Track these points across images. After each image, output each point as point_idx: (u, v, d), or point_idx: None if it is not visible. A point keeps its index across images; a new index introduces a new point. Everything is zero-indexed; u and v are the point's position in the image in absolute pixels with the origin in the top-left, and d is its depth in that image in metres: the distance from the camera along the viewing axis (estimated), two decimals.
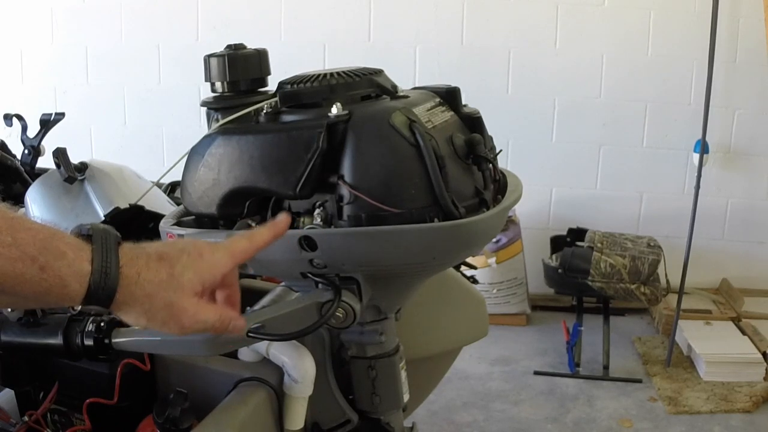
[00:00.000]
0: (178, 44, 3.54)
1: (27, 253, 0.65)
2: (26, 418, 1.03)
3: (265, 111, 0.93)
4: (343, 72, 0.91)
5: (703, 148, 3.07)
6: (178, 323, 0.73)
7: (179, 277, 0.72)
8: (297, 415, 1.01)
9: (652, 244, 3.08)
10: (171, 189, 1.53)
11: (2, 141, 1.59)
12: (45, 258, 0.65)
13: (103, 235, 0.71)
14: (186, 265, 0.73)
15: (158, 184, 1.41)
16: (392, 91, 0.95)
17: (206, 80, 0.97)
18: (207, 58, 0.96)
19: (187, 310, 0.73)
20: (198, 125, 2.95)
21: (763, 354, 2.89)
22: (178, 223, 0.98)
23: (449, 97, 0.99)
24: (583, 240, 3.15)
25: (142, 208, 1.23)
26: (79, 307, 0.87)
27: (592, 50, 3.39)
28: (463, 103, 1.01)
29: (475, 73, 3.45)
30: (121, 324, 0.89)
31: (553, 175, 3.56)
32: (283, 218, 0.81)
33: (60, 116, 1.54)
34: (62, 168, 1.27)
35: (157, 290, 0.71)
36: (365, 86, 0.92)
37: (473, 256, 1.14)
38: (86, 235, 0.70)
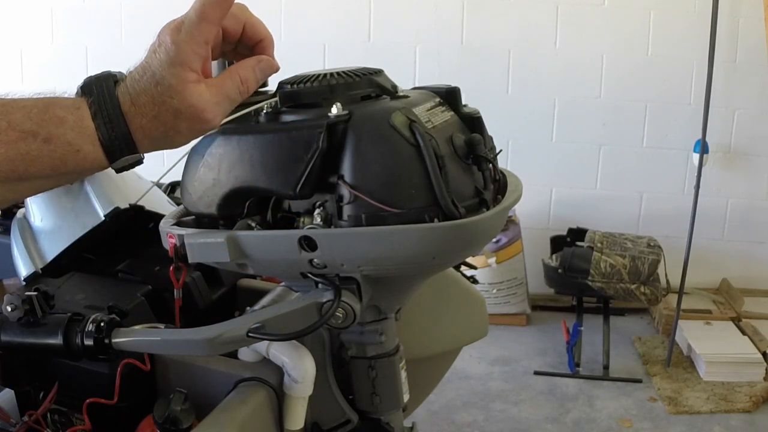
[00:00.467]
0: None
1: (26, 131, 0.62)
2: (26, 418, 1.03)
3: (265, 111, 0.93)
4: (343, 72, 0.91)
5: (703, 148, 3.07)
6: (200, 119, 0.69)
7: (163, 81, 0.67)
8: (297, 415, 1.01)
9: (652, 244, 3.08)
10: (171, 189, 1.53)
11: None
12: (46, 129, 0.63)
13: (97, 83, 0.67)
14: (161, 63, 0.68)
15: (158, 184, 1.41)
16: (392, 91, 0.95)
17: None
18: None
19: (196, 105, 0.68)
20: None
21: (763, 354, 2.89)
22: (178, 223, 0.98)
23: (449, 97, 0.99)
24: (583, 240, 3.15)
25: (142, 208, 1.23)
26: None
27: (592, 50, 3.39)
28: (463, 103, 1.01)
29: (475, 73, 3.45)
30: (121, 324, 0.89)
31: (553, 175, 3.56)
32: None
33: None
34: None
35: (156, 108, 0.67)
36: (365, 86, 0.92)
37: (473, 256, 1.14)
38: (82, 88, 0.67)
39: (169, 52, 0.69)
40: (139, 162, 0.70)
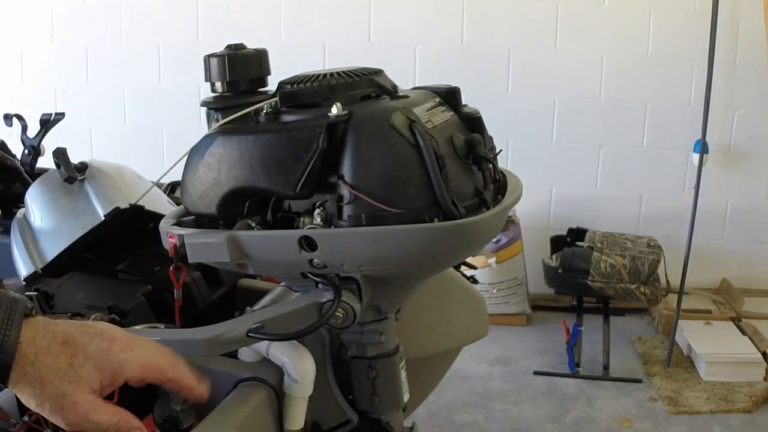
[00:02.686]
0: (178, 44, 3.55)
1: None
2: (26, 418, 1.03)
3: (265, 111, 0.93)
4: (343, 72, 0.91)
5: (703, 148, 3.07)
6: (65, 417, 0.68)
7: (78, 368, 0.67)
8: (297, 415, 1.01)
9: (652, 244, 3.08)
10: (171, 189, 1.53)
11: (2, 141, 1.59)
12: None
13: (10, 305, 0.66)
14: (90, 356, 0.68)
15: (158, 184, 1.41)
16: (392, 91, 0.95)
17: (206, 80, 0.97)
18: (207, 58, 0.96)
19: (77, 406, 0.67)
20: (198, 125, 2.94)
21: (763, 354, 2.89)
22: (178, 223, 0.98)
23: (449, 97, 0.99)
24: (583, 240, 3.15)
25: (142, 208, 1.23)
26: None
27: (592, 50, 3.39)
28: (463, 103, 1.01)
29: (475, 73, 3.45)
30: (122, 324, 0.89)
31: (553, 175, 3.56)
32: (203, 392, 0.78)
33: (60, 116, 1.54)
34: (62, 168, 1.27)
35: (51, 377, 0.66)
36: (365, 86, 0.92)
37: (473, 256, 1.14)
38: None
39: (104, 355, 0.69)
40: None
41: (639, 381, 2.91)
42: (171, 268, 0.97)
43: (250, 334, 0.83)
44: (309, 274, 0.89)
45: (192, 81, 3.33)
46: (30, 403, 0.68)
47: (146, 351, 0.73)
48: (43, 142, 1.56)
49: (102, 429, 0.70)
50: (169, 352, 0.75)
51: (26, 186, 1.38)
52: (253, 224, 0.92)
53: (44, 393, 0.67)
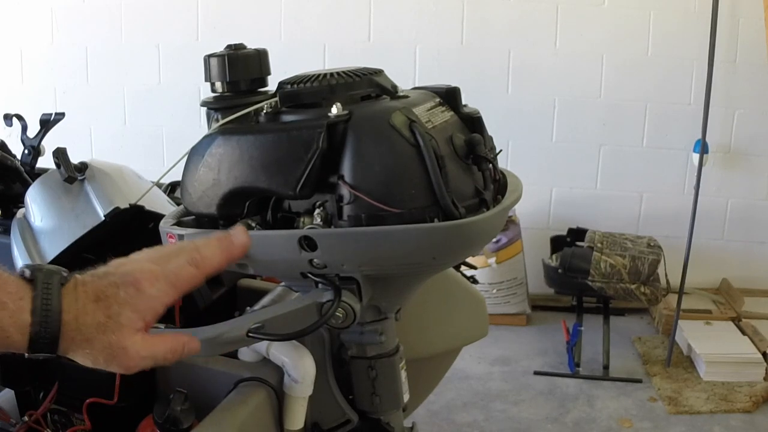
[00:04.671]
0: (178, 44, 3.55)
1: None
2: (26, 418, 1.03)
3: (265, 111, 0.93)
4: (343, 72, 0.91)
5: (703, 148, 3.07)
6: (121, 364, 0.71)
7: (116, 317, 0.70)
8: (297, 415, 1.01)
9: (652, 244, 3.08)
10: (171, 189, 1.53)
11: (2, 141, 1.59)
12: None
13: (46, 279, 0.68)
14: (123, 302, 0.70)
15: (158, 184, 1.41)
16: (392, 91, 0.95)
17: (206, 80, 0.97)
18: (207, 58, 0.96)
19: (127, 351, 0.71)
20: (198, 125, 2.94)
21: (763, 354, 2.89)
22: (178, 223, 0.98)
23: (449, 97, 0.99)
24: (583, 240, 3.15)
25: (142, 208, 1.23)
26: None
27: (592, 50, 3.39)
28: (463, 103, 1.01)
29: (475, 73, 3.45)
30: None
31: (553, 175, 3.56)
32: (239, 233, 0.79)
33: (60, 116, 1.54)
34: (62, 168, 1.27)
35: (95, 334, 0.69)
36: (365, 86, 0.92)
37: (473, 256, 1.14)
38: (30, 279, 0.68)
39: (135, 297, 0.71)
40: None
41: (639, 381, 2.91)
42: None
43: (250, 334, 0.83)
44: (309, 274, 0.89)
45: (192, 81, 3.34)
46: (86, 363, 0.71)
47: (169, 271, 0.74)
48: (43, 142, 1.56)
49: (159, 360, 0.73)
50: (184, 249, 0.76)
51: (26, 186, 1.38)
52: (253, 224, 0.92)
53: (94, 350, 0.70)
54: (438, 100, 0.98)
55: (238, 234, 0.81)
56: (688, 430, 2.59)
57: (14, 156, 1.57)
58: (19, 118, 1.58)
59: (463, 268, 1.35)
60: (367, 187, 0.84)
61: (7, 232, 1.36)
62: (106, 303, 0.70)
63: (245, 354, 1.03)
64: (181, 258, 0.75)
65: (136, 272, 0.72)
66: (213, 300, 1.18)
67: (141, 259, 0.75)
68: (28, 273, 0.68)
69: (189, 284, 0.75)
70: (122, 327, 0.70)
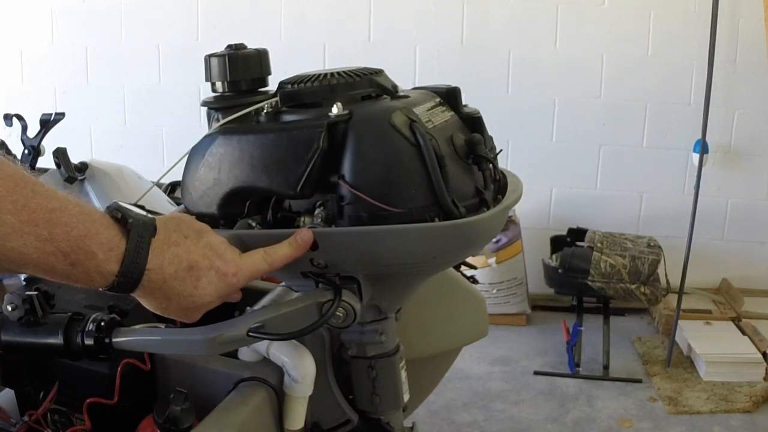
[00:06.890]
0: (178, 44, 3.55)
1: (60, 249, 0.68)
2: (26, 418, 1.03)
3: (265, 111, 0.93)
4: (344, 72, 0.92)
5: (703, 148, 3.07)
6: (188, 319, 0.80)
7: (202, 291, 0.77)
8: (297, 415, 1.01)
9: (652, 244, 3.08)
10: (171, 189, 1.53)
11: (2, 141, 1.59)
12: (77, 256, 0.69)
13: (140, 232, 0.72)
14: (211, 281, 0.77)
15: (158, 184, 1.41)
16: (392, 91, 0.95)
17: (206, 80, 0.97)
18: (207, 58, 0.96)
19: (198, 315, 0.79)
20: (198, 125, 2.94)
21: (763, 354, 2.89)
22: None
23: (449, 97, 0.99)
24: (583, 240, 3.15)
25: (142, 208, 1.23)
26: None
27: (592, 50, 3.39)
28: (463, 103, 1.01)
29: (475, 73, 3.45)
30: (122, 324, 0.89)
31: (553, 175, 3.56)
32: (305, 235, 0.84)
33: (60, 116, 1.54)
34: (62, 168, 1.28)
35: (177, 297, 0.76)
36: (365, 86, 0.92)
37: (473, 256, 1.14)
38: (123, 224, 0.72)
39: (221, 283, 0.79)
40: None
41: (639, 381, 2.92)
42: None
43: (250, 333, 0.83)
44: (309, 274, 0.89)
45: (192, 81, 3.34)
46: (154, 309, 0.78)
47: (249, 263, 0.81)
48: (43, 142, 1.56)
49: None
50: (253, 264, 0.82)
51: None
52: (254, 224, 0.92)
53: (170, 306, 0.77)
54: (438, 100, 0.98)
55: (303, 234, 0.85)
56: (688, 430, 2.59)
57: (14, 156, 1.57)
58: (19, 118, 1.58)
59: (463, 268, 1.35)
60: (367, 186, 0.84)
61: None
62: (197, 274, 0.76)
63: (245, 354, 1.03)
64: (260, 263, 0.82)
65: (225, 253, 0.79)
66: None
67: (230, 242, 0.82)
68: (119, 216, 0.72)
69: (256, 274, 0.82)
70: (202, 303, 0.78)
